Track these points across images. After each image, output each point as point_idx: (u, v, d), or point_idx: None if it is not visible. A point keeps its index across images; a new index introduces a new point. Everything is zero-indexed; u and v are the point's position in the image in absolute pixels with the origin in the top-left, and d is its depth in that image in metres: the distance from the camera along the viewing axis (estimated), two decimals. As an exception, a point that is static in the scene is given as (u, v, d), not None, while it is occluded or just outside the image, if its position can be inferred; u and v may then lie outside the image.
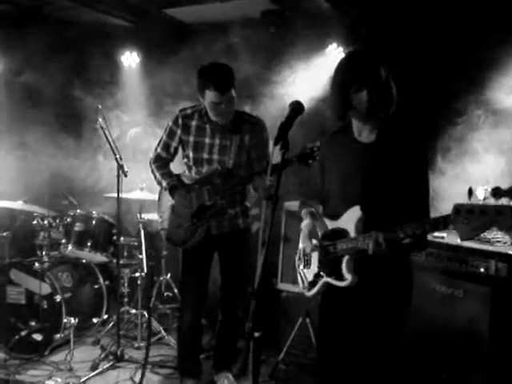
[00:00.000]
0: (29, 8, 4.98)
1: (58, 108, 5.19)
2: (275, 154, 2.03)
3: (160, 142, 3.40)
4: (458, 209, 1.89)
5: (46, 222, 4.08)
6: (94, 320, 4.25)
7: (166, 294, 4.70)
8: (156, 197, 3.53)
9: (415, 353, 3.15)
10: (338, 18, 4.46)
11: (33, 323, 3.83)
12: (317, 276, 2.43)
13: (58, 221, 4.19)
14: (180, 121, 3.27)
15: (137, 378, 3.50)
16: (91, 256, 4.29)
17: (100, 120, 3.75)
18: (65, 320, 3.83)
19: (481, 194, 2.16)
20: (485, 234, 3.06)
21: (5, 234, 4.40)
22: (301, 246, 2.55)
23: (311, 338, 3.67)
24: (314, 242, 2.43)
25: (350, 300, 2.35)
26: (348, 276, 2.26)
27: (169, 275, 4.68)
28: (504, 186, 1.85)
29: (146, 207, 4.40)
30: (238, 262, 3.40)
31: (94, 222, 4.26)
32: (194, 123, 3.26)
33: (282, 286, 4.02)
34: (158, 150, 3.40)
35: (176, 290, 4.60)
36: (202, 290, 3.39)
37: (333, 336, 2.45)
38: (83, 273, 4.35)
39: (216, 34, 4.67)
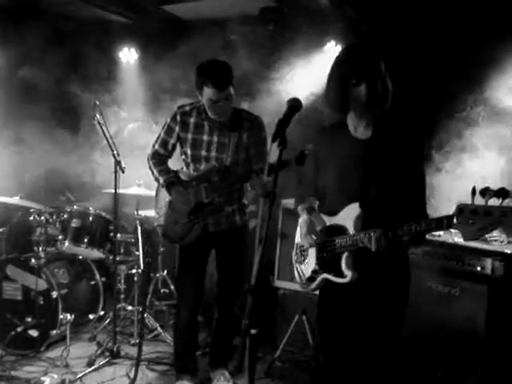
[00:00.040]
0: (26, 2, 4.96)
1: (55, 103, 5.16)
2: (273, 151, 2.03)
3: (158, 138, 3.38)
4: (461, 209, 1.88)
5: (42, 217, 4.06)
6: (91, 316, 4.24)
7: (162, 290, 4.69)
8: (153, 193, 3.52)
9: (411, 351, 3.15)
10: (336, 15, 4.45)
11: (29, 319, 3.82)
12: (315, 272, 2.42)
13: (54, 217, 4.16)
14: (178, 118, 3.26)
15: (133, 375, 3.50)
16: (88, 252, 4.28)
17: (97, 116, 3.73)
18: (61, 316, 3.82)
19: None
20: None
21: (1, 229, 4.37)
22: (297, 241, 2.54)
23: (307, 335, 3.67)
24: (313, 237, 2.42)
25: (348, 296, 2.35)
26: (348, 273, 2.26)
27: (165, 272, 4.68)
28: (503, 184, 1.85)
29: (143, 203, 4.39)
30: (235, 259, 3.39)
31: (90, 219, 4.24)
32: (192, 120, 3.25)
33: (278, 283, 4.02)
34: (156, 146, 3.38)
35: (172, 287, 4.60)
36: (199, 287, 3.39)
37: (331, 331, 2.45)
38: (80, 269, 4.34)
39: (214, 31, 4.66)
